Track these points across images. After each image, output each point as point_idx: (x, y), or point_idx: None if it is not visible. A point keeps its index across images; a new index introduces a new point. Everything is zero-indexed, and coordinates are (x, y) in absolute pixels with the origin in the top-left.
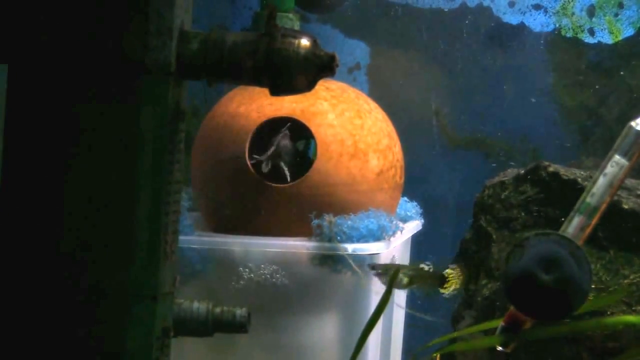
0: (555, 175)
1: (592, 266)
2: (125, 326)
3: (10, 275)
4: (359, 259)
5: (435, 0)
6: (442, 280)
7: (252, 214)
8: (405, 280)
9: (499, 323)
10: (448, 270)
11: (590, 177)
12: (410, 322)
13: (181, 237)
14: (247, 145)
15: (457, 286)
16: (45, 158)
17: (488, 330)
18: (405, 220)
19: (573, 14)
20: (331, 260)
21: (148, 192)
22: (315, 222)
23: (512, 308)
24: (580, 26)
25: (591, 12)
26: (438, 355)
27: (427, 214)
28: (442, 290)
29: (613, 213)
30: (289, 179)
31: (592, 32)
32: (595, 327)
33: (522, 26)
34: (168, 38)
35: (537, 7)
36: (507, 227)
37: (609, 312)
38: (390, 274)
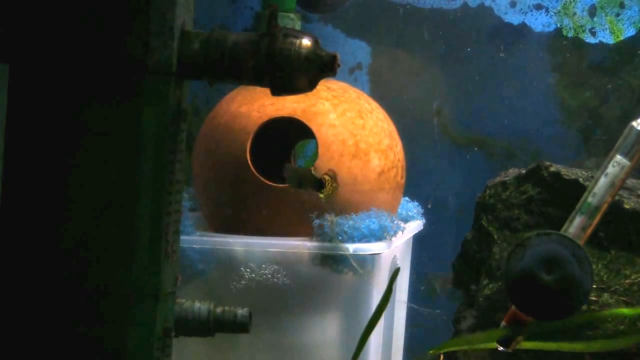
0: (557, 175)
1: (593, 266)
2: (127, 326)
3: (13, 274)
4: (360, 259)
5: (436, 0)
6: (320, 185)
7: (253, 214)
8: (295, 179)
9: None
10: (325, 176)
11: (592, 177)
12: (412, 322)
13: (182, 237)
14: (249, 145)
15: (330, 192)
16: (47, 158)
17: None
18: (406, 220)
19: (574, 14)
20: (332, 260)
21: (149, 191)
22: (317, 222)
23: (513, 308)
24: (581, 26)
25: (592, 12)
26: (442, 355)
27: (429, 214)
28: (320, 195)
29: (614, 213)
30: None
31: (593, 32)
32: (589, 321)
33: (523, 26)
34: (169, 38)
35: (538, 7)
36: (508, 227)
37: None
38: (393, 273)
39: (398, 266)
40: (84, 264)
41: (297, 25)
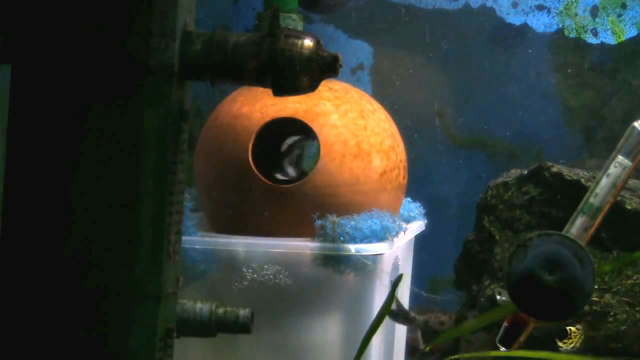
0: (559, 175)
1: (595, 267)
2: (128, 327)
3: (14, 275)
4: (362, 259)
5: (438, 0)
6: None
7: (255, 215)
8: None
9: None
10: (572, 328)
11: (594, 177)
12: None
13: (184, 238)
14: (251, 145)
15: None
16: (49, 159)
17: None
18: (408, 220)
19: (576, 14)
20: (334, 261)
21: (151, 192)
22: (319, 222)
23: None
24: (583, 27)
25: (594, 12)
26: (428, 348)
27: (431, 214)
28: (560, 344)
29: (616, 213)
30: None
31: (595, 32)
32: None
33: (525, 27)
34: (171, 39)
35: (540, 7)
36: (510, 227)
37: (612, 313)
38: (394, 283)
39: (400, 273)
40: (86, 265)
41: (299, 26)
